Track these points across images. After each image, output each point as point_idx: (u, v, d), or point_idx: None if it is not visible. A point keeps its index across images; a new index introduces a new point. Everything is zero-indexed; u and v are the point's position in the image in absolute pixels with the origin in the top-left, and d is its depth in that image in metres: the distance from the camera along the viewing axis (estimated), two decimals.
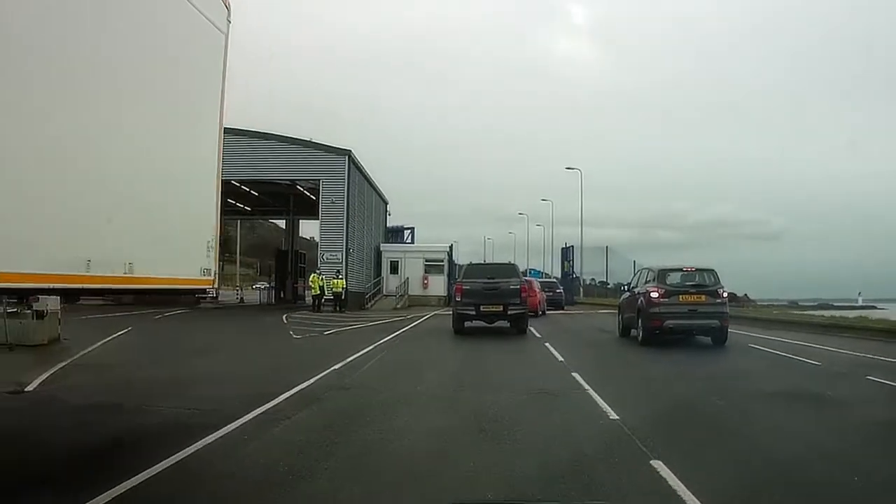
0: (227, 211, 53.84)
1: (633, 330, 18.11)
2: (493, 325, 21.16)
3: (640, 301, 17.05)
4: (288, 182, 41.32)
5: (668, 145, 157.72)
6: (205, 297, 37.55)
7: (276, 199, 50.66)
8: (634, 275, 20.45)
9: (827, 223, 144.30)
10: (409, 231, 57.78)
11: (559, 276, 57.76)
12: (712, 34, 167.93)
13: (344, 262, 37.16)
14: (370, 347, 16.85)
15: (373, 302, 42.66)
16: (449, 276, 49.14)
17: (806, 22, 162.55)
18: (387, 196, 53.45)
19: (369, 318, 30.18)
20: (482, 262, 30.49)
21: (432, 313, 34.74)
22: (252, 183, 43.72)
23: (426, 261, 47.95)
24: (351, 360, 14.12)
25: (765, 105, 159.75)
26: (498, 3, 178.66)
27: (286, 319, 27.61)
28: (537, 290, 32.27)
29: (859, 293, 59.09)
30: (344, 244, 37.20)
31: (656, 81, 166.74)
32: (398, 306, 41.37)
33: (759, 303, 49.80)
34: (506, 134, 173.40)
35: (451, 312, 22.55)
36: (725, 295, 16.92)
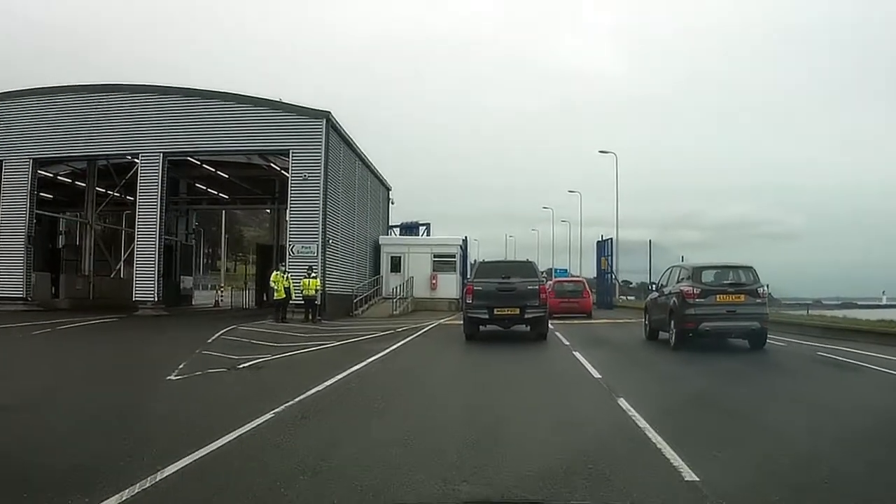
0: (198, 200, 46.19)
1: (661, 333, 17.40)
2: (508, 329, 19.13)
3: (672, 301, 15.94)
4: (245, 155, 32.65)
5: (685, 145, 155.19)
6: (144, 304, 29.49)
7: (258, 185, 42.37)
8: (664, 273, 18.67)
9: (847, 221, 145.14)
10: (424, 227, 49.17)
11: (595, 275, 49.22)
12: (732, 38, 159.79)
13: (320, 257, 28.55)
14: (308, 393, 9.60)
15: (367, 307, 33.99)
16: (462, 274, 40.41)
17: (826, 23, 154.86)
18: (389, 181, 44.88)
19: (350, 331, 21.80)
20: (496, 259, 25.38)
21: (436, 323, 25.96)
22: (213, 161, 35.37)
23: (435, 256, 39.28)
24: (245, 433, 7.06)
25: (784, 106, 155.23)
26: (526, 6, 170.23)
27: (217, 337, 18.84)
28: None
29: (883, 292, 58.85)
30: (320, 233, 28.57)
31: (672, 82, 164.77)
32: (396, 312, 32.65)
33: (782, 301, 42.88)
34: (522, 137, 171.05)
35: (462, 319, 20.18)
36: (766, 294, 16.13)
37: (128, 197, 34.76)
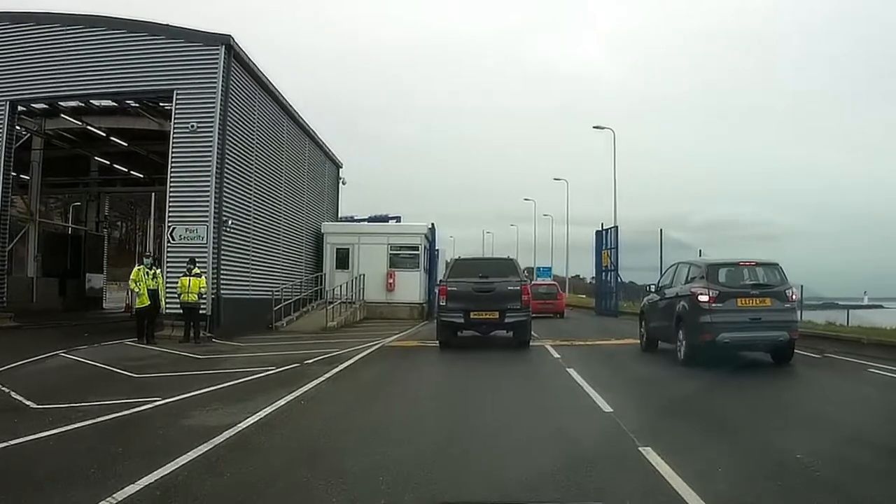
0: (111, 181, 36.85)
1: (660, 343, 15.04)
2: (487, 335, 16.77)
3: (680, 306, 13.32)
4: (119, 99, 23.08)
5: (672, 146, 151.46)
6: None
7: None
8: (666, 271, 16.41)
9: (829, 222, 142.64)
10: (394, 220, 39.89)
11: (593, 275, 40.95)
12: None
13: (214, 246, 19.57)
14: None
15: (296, 316, 24.99)
16: (429, 272, 31.52)
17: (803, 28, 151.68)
18: (340, 159, 35.85)
19: (234, 364, 13.55)
20: (474, 256, 22.70)
21: (378, 344, 17.08)
22: (102, 119, 26.04)
23: (392, 248, 30.30)
24: None
25: (772, 108, 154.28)
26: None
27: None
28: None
29: (865, 292, 55.95)
30: (213, 210, 19.53)
31: (658, 85, 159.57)
32: (333, 323, 23.53)
33: None
34: (506, 134, 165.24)
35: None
36: (795, 298, 13.58)
37: None
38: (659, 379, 11.28)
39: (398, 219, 39.68)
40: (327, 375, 11.21)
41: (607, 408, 8.03)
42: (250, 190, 22.38)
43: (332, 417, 8.01)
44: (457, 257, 21.04)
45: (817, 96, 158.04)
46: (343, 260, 30.12)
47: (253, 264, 22.72)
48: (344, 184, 36.09)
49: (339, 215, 35.44)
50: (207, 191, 19.43)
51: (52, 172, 30.91)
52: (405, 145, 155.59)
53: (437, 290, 19.26)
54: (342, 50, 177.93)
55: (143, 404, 8.81)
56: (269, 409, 8.33)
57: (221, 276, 19.81)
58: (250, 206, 22.40)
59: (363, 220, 37.85)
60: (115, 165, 34.11)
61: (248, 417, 7.83)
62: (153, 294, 17.94)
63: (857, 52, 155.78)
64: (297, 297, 25.81)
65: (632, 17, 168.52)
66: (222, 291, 19.77)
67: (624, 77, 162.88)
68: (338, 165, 35.72)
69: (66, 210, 43.21)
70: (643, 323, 16.03)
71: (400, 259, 30.11)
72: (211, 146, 19.52)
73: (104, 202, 39.28)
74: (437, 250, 46.68)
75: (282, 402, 8.88)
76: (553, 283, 40.81)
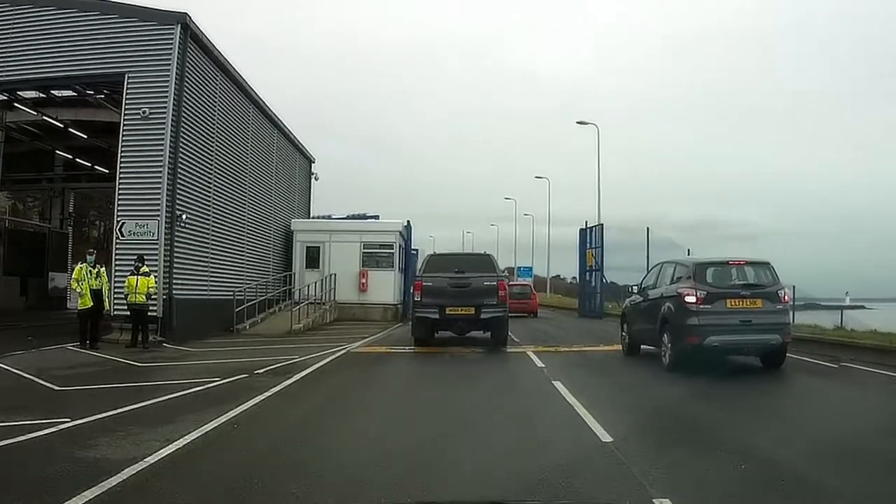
0: (76, 177, 34.94)
1: (643, 347, 14.16)
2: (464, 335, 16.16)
3: (665, 308, 12.59)
4: (72, 85, 21.39)
5: (648, 146, 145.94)
6: None
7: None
8: (649, 271, 15.33)
9: (809, 222, 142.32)
10: (373, 220, 38.15)
11: (574, 274, 39.70)
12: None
13: (166, 242, 17.97)
14: None
15: (261, 317, 23.41)
16: (404, 271, 30.05)
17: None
18: (312, 154, 34.26)
19: (180, 373, 12.08)
20: (450, 252, 24.09)
21: (343, 350, 15.60)
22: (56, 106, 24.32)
23: (365, 247, 28.75)
24: None
25: (746, 105, 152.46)
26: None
27: None
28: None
29: (846, 293, 52.08)
30: (165, 203, 17.92)
31: (630, 83, 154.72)
32: (299, 326, 21.96)
33: None
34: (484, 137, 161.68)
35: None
36: (788, 299, 12.93)
37: None
38: (660, 394, 9.77)
39: (377, 218, 38.19)
40: (276, 389, 9.72)
41: (605, 436, 6.61)
42: (210, 182, 20.79)
43: (264, 451, 6.51)
44: (433, 253, 20.12)
45: (788, 96, 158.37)
46: (313, 259, 28.55)
47: (213, 262, 21.12)
48: (316, 179, 34.54)
49: (317, 214, 33.80)
50: (159, 182, 17.81)
51: (15, 168, 29.19)
52: (385, 144, 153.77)
53: (412, 287, 18.87)
54: (318, 48, 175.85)
55: (46, 427, 7.32)
56: (190, 437, 6.85)
57: (175, 276, 18.21)
58: (210, 200, 20.80)
59: (341, 219, 36.27)
60: (78, 160, 32.36)
61: (161, 449, 6.34)
62: (96, 295, 16.34)
63: (830, 55, 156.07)
64: (262, 298, 24.23)
65: (619, 22, 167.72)
66: (175, 292, 18.16)
67: (603, 77, 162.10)
68: (310, 160, 34.11)
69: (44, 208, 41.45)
70: (625, 326, 15.28)
71: (373, 258, 28.58)
72: (163, 133, 17.91)
73: (69, 198, 37.48)
74: (416, 251, 45.23)
75: (210, 425, 7.39)
76: (527, 283, 43.41)
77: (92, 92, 21.69)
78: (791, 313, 14.84)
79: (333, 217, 34.17)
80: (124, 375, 11.98)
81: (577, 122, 37.77)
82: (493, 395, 8.73)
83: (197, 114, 19.68)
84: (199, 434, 7.00)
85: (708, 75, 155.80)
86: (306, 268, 28.43)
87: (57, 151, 30.61)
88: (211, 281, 20.93)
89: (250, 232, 24.79)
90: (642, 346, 14.32)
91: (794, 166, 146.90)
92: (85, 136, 27.37)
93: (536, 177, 60.15)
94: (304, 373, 11.46)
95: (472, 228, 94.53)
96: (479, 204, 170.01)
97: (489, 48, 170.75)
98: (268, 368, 11.97)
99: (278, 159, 28.53)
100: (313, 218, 32.35)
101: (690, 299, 11.94)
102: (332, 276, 27.54)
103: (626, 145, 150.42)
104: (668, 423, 7.49)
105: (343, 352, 14.99)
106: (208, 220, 20.67)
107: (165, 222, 17.87)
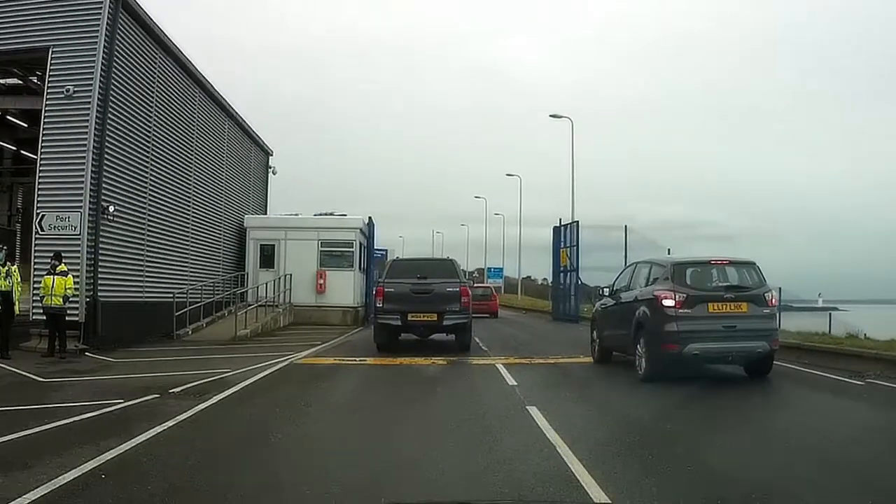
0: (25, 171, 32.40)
1: (615, 353, 13.18)
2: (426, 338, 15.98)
3: (640, 312, 11.52)
4: None
5: (618, 147, 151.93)
6: None
7: None
8: (622, 272, 14.21)
9: (782, 224, 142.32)
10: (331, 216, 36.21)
11: (545, 276, 38.36)
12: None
13: (90, 237, 15.90)
14: None
15: (207, 321, 21.35)
16: (366, 271, 28.15)
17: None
18: (268, 145, 32.16)
19: (80, 391, 10.09)
20: (412, 256, 23.84)
21: (286, 361, 13.65)
22: None
23: (323, 245, 26.73)
24: None
25: (716, 105, 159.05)
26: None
27: None
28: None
29: (819, 294, 52.01)
30: (88, 193, 15.83)
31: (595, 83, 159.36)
32: (245, 331, 19.85)
33: None
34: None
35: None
36: (775, 302, 11.90)
37: None
38: (665, 428, 7.90)
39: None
40: (182, 417, 7.78)
41: (601, 495, 4.78)
42: (146, 172, 18.70)
43: None
44: (395, 258, 20.64)
45: (759, 98, 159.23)
46: (268, 258, 26.50)
47: (149, 261, 19.01)
48: (274, 173, 32.41)
49: (284, 214, 31.60)
50: (81, 170, 15.73)
51: None
52: (353, 143, 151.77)
53: (374, 291, 18.43)
54: (288, 44, 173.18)
55: None
56: (36, 494, 4.95)
57: (100, 275, 16.12)
58: (146, 191, 18.72)
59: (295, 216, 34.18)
60: (23, 152, 29.98)
61: None
62: (5, 296, 14.23)
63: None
64: (209, 301, 22.15)
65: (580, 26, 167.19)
66: (101, 293, 16.08)
67: (576, 77, 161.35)
68: (267, 153, 32.00)
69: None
70: (595, 331, 14.19)
71: (332, 257, 26.57)
72: (88, 115, 15.84)
73: (17, 193, 35.02)
74: (384, 251, 43.25)
75: (72, 474, 5.51)
76: (489, 286, 46.56)
77: (35, 78, 19.52)
78: (778, 317, 13.54)
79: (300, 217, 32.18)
80: (15, 393, 10.02)
81: (551, 116, 35.99)
82: (450, 434, 6.83)
83: (130, 94, 17.60)
84: (50, 489, 5.10)
85: (677, 77, 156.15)
86: (260, 267, 26.38)
87: (3, 143, 28.28)
88: (147, 281, 18.84)
89: (197, 228, 22.70)
90: (614, 353, 13.28)
91: (764, 168, 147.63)
92: (26, 126, 25.10)
93: (507, 174, 58.23)
94: (227, 392, 9.53)
95: (443, 228, 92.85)
96: (449, 204, 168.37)
97: (462, 46, 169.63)
98: (188, 386, 10.02)
99: (230, 150, 26.44)
100: (278, 217, 30.05)
101: (668, 303, 10.90)
102: (288, 276, 25.51)
103: (597, 147, 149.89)
104: (678, 476, 5.65)
105: (286, 363, 13.04)
106: (143, 213, 18.58)
107: (89, 215, 15.81)
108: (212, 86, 23.86)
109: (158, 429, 7.18)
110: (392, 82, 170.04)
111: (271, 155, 32.40)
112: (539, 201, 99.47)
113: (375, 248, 36.41)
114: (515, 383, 10.05)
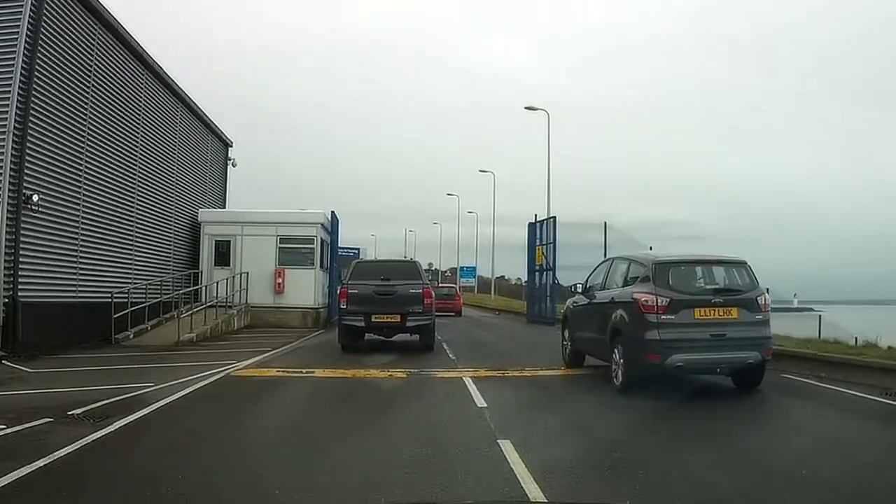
0: None
1: (587, 358, 12.33)
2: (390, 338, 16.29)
3: (616, 316, 10.44)
4: None
5: (592, 147, 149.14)
6: None
7: None
8: (596, 268, 12.81)
9: (756, 224, 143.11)
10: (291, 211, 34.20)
11: (519, 276, 37.01)
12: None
13: (9, 230, 14.09)
14: None
15: (157, 322, 19.54)
16: (329, 270, 26.52)
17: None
18: (228, 136, 30.36)
19: None
20: (376, 258, 24.31)
21: (228, 370, 11.98)
22: None
23: (282, 241, 25.00)
24: None
25: (689, 104, 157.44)
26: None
27: None
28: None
29: (794, 295, 53.54)
30: (7, 181, 13.97)
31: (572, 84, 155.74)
32: (190, 336, 18.01)
33: None
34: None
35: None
36: (769, 307, 10.28)
37: None
38: (680, 477, 6.41)
39: None
40: (62, 454, 6.14)
41: None
42: (80, 158, 16.91)
43: None
44: (358, 260, 20.84)
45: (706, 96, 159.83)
46: (224, 255, 24.71)
47: (85, 257, 17.22)
48: (234, 166, 30.60)
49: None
50: (0, 154, 13.96)
51: None
52: (326, 140, 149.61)
53: (338, 292, 18.62)
54: (261, 43, 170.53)
55: None
56: None
57: (22, 272, 14.34)
58: (80, 180, 16.93)
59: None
60: None
61: None
62: None
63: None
64: (156, 301, 20.35)
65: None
66: (22, 293, 14.31)
67: (551, 77, 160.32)
68: (227, 144, 30.17)
69: None
70: (566, 331, 13.30)
71: (292, 254, 24.80)
72: (7, 91, 14.08)
73: None
74: (357, 249, 41.53)
75: None
76: (452, 285, 49.26)
77: None
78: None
79: (258, 211, 30.36)
80: None
81: (526, 108, 34.68)
82: (397, 486, 5.26)
83: (62, 71, 15.84)
84: None
85: (677, 77, 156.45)
86: (216, 265, 24.62)
87: None
88: (82, 280, 17.07)
89: (143, 221, 20.90)
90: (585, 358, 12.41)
91: (739, 169, 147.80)
92: None
93: (480, 170, 56.27)
94: (134, 416, 7.86)
95: (415, 227, 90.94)
96: (422, 202, 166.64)
97: (435, 44, 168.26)
98: (93, 406, 8.36)
99: (184, 139, 24.62)
100: (235, 211, 28.11)
101: (649, 307, 9.78)
102: (244, 274, 23.78)
103: (571, 147, 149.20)
104: None
105: (221, 375, 11.36)
106: (77, 203, 16.79)
107: (9, 204, 14.03)
108: (163, 69, 22.06)
109: (20, 472, 5.53)
110: (366, 78, 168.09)
111: (231, 146, 30.56)
112: (515, 201, 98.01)
113: (341, 245, 34.72)
114: (485, 404, 8.45)
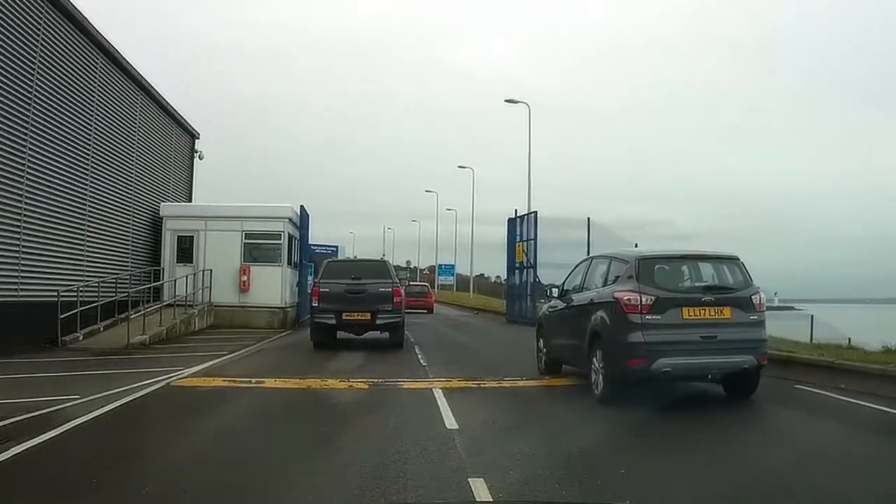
0: None
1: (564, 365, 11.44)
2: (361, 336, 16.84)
3: (596, 318, 9.58)
4: None
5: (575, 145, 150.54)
6: None
7: None
8: (575, 268, 11.82)
9: (732, 223, 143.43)
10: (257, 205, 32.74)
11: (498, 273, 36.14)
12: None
13: None
14: None
15: (111, 322, 18.27)
16: (298, 267, 25.36)
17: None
18: (195, 128, 29.06)
19: None
20: (346, 258, 23.96)
21: (172, 377, 10.79)
22: None
23: (247, 236, 23.77)
24: None
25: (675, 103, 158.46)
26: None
27: None
28: None
29: (775, 294, 54.95)
30: None
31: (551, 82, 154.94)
32: (138, 338, 16.68)
33: None
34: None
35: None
36: (764, 307, 9.46)
37: None
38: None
39: None
40: None
41: None
42: (23, 146, 15.63)
43: None
44: (329, 259, 20.69)
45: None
46: (186, 251, 23.45)
47: (28, 253, 15.95)
48: (201, 158, 29.31)
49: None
50: None
51: None
52: (304, 138, 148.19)
53: (308, 289, 19.34)
54: (239, 43, 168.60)
55: None
56: None
57: None
58: (23, 169, 15.65)
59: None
60: None
61: None
62: None
63: None
64: (110, 300, 19.05)
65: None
66: None
67: (534, 77, 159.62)
68: (193, 135, 28.88)
69: None
70: (541, 339, 12.33)
71: (258, 250, 23.60)
72: None
73: None
74: (335, 247, 40.27)
75: None
76: (425, 284, 50.96)
77: None
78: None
79: (222, 205, 29.06)
80: None
81: (506, 101, 33.65)
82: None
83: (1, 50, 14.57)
84: None
85: (677, 77, 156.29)
86: (178, 262, 23.35)
87: None
88: (24, 277, 15.82)
89: (96, 214, 19.60)
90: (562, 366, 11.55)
91: (739, 169, 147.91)
92: None
93: (459, 166, 55.23)
94: (40, 438, 6.68)
95: (394, 225, 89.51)
96: (401, 200, 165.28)
97: (435, 45, 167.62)
98: (2, 423, 7.19)
99: (144, 130, 23.32)
100: (198, 205, 26.75)
101: (633, 307, 8.99)
102: (207, 272, 22.54)
103: (572, 147, 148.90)
104: None
105: (161, 385, 10.17)
106: (19, 195, 15.51)
107: None
108: (121, 54, 20.81)
109: None
110: (346, 77, 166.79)
111: (198, 138, 29.28)
112: (494, 199, 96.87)
113: (319, 243, 33.56)
114: (456, 426, 7.23)
